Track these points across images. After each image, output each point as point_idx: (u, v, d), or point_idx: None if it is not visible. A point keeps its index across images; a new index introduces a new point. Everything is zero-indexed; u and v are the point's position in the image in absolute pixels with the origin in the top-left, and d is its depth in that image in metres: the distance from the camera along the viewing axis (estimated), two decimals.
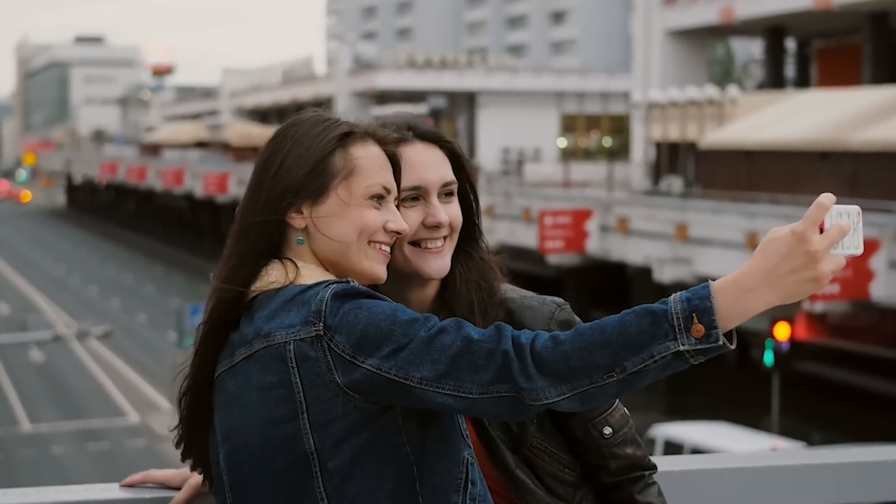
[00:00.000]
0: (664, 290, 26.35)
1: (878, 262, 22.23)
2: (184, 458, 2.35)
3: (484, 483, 2.23)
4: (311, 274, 2.20)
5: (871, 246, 21.49)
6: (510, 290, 2.45)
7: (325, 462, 2.11)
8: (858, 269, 21.86)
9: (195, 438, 2.28)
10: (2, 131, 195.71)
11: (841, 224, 2.02)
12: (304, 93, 74.68)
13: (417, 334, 2.07)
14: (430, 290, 2.41)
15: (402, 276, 2.36)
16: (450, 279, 2.40)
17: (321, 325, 2.10)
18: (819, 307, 23.36)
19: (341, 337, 2.09)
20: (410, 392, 2.07)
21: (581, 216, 30.42)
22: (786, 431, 23.91)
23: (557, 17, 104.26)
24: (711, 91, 38.43)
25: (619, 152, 59.11)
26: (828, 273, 2.02)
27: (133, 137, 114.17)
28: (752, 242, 24.28)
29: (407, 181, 2.34)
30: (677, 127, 39.11)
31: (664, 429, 22.55)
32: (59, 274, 62.96)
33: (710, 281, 2.05)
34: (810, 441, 23.26)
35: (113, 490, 2.55)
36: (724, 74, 70.19)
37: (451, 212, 2.38)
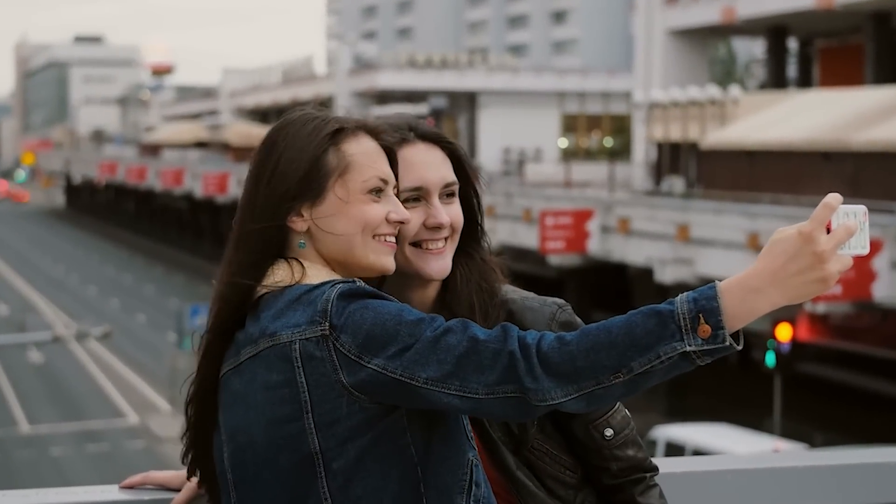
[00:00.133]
0: (665, 291, 26.36)
1: (880, 263, 22.23)
2: (190, 474, 2.34)
3: (488, 485, 2.22)
4: (317, 273, 2.19)
5: (873, 247, 21.41)
6: (511, 291, 2.44)
7: (329, 462, 2.11)
8: (861, 270, 21.86)
9: (202, 448, 2.27)
10: (1, 131, 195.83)
11: (848, 224, 2.02)
12: (305, 93, 74.65)
13: (423, 334, 2.07)
14: (431, 291, 2.40)
15: (403, 277, 2.36)
16: (450, 280, 2.40)
17: (327, 324, 2.09)
18: (821, 308, 23.37)
19: (347, 337, 2.08)
20: (416, 392, 2.07)
21: (582, 216, 30.42)
22: (787, 433, 23.90)
23: (558, 16, 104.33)
24: (713, 91, 38.43)
25: (621, 152, 59.11)
26: (835, 273, 2.01)
27: (132, 137, 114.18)
28: (753, 243, 24.28)
29: (408, 182, 2.34)
30: (679, 127, 39.11)
31: (666, 430, 22.54)
32: (59, 274, 63.01)
33: (716, 281, 2.05)
34: (812, 442, 23.25)
35: (112, 492, 2.54)
36: (725, 74, 70.27)
37: (452, 213, 2.38)
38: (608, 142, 67.18)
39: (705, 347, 2.01)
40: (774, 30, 42.43)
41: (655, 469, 2.51)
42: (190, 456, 2.30)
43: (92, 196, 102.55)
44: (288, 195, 2.19)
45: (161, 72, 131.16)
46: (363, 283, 2.14)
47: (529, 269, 32.48)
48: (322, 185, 2.20)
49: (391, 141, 2.30)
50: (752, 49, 73.99)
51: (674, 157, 40.71)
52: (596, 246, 30.26)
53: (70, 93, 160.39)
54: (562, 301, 2.44)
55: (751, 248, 24.34)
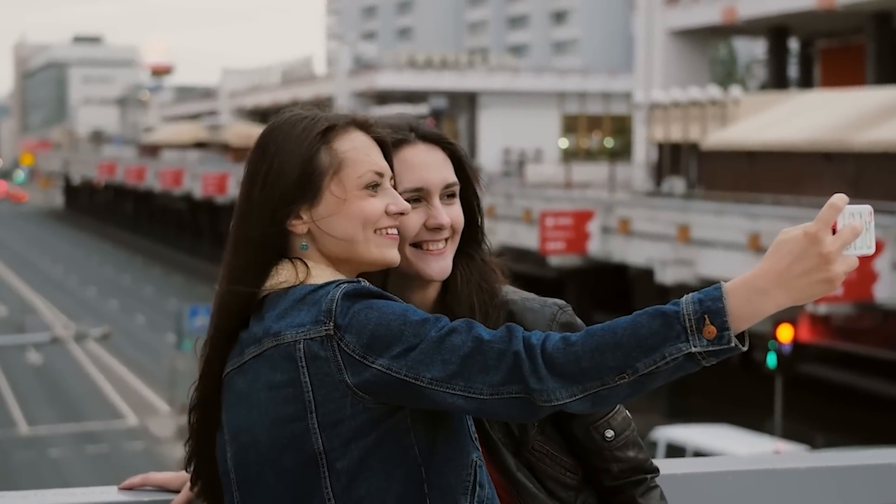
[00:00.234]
0: (666, 292, 26.37)
1: (882, 264, 22.22)
2: (193, 484, 2.33)
3: (492, 486, 2.22)
4: (321, 273, 2.19)
5: (875, 247, 21.47)
6: (511, 292, 2.44)
7: (333, 462, 2.10)
8: (862, 271, 21.82)
9: (205, 457, 2.26)
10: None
11: (854, 224, 2.02)
12: (304, 93, 74.66)
13: (428, 334, 2.06)
14: (432, 292, 2.40)
15: (403, 278, 2.36)
16: (451, 281, 2.40)
17: (331, 324, 2.09)
18: (822, 309, 23.36)
19: (351, 337, 2.08)
20: (420, 392, 2.06)
21: (582, 217, 30.42)
22: (789, 434, 23.91)
23: (559, 16, 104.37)
24: (714, 91, 38.42)
25: (621, 153, 59.14)
26: (841, 274, 2.01)
27: (132, 138, 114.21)
28: (754, 244, 24.27)
29: (408, 182, 2.34)
30: (679, 127, 39.11)
31: (666, 431, 22.55)
32: (57, 275, 63.03)
33: (721, 282, 2.04)
34: (813, 444, 23.26)
35: (111, 493, 2.53)
36: (726, 75, 70.31)
37: (452, 213, 2.38)
38: (608, 142, 67.22)
39: (711, 348, 2.01)
40: (775, 30, 42.44)
41: (656, 470, 2.51)
42: (193, 464, 2.29)
43: (91, 196, 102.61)
44: (285, 199, 2.19)
45: (160, 72, 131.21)
46: (368, 284, 2.14)
47: (529, 270, 32.47)
48: (318, 185, 2.19)
49: (383, 133, 2.29)
50: (753, 49, 74.06)
51: (674, 158, 40.69)
52: (596, 247, 30.26)
53: (69, 93, 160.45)
54: (562, 302, 2.44)
55: (752, 249, 24.34)
